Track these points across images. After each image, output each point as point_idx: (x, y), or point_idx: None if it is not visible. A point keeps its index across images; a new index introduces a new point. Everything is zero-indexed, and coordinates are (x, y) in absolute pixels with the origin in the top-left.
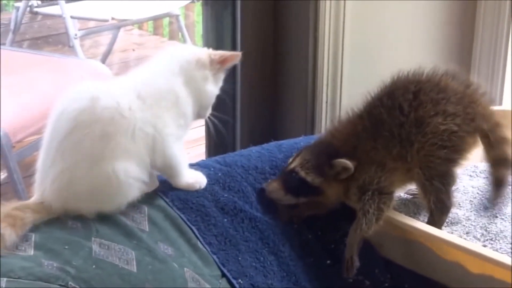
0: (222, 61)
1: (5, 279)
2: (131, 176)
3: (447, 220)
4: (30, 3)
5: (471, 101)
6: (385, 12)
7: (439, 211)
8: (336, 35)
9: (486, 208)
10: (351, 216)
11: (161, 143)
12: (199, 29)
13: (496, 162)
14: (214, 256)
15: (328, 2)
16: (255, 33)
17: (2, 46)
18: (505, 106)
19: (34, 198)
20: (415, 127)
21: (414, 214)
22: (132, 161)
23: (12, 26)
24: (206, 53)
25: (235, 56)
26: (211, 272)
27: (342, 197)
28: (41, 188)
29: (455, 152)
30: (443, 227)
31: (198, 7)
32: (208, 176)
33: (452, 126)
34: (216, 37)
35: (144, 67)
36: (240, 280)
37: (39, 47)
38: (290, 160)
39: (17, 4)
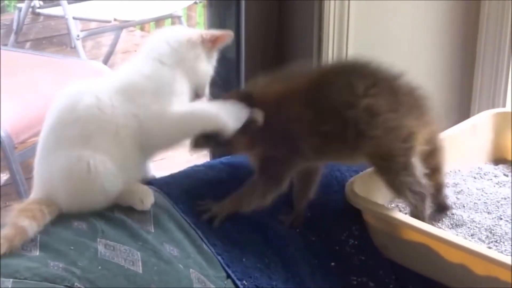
0: (214, 40)
1: (11, 279)
2: (111, 169)
3: (451, 222)
4: (32, 4)
5: (419, 108)
6: (389, 12)
7: (419, 202)
8: (340, 35)
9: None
10: (356, 218)
11: (154, 122)
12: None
13: (435, 169)
14: (219, 257)
15: (332, 2)
16: (259, 33)
17: (4, 47)
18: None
19: (33, 193)
20: (368, 115)
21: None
22: (113, 153)
23: (14, 27)
24: (197, 33)
25: (227, 36)
26: (216, 273)
27: (251, 150)
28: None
29: (411, 146)
30: (447, 229)
31: (200, 8)
32: (213, 177)
33: (410, 124)
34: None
35: (134, 56)
36: (244, 282)
37: (41, 48)
38: None
39: (19, 5)
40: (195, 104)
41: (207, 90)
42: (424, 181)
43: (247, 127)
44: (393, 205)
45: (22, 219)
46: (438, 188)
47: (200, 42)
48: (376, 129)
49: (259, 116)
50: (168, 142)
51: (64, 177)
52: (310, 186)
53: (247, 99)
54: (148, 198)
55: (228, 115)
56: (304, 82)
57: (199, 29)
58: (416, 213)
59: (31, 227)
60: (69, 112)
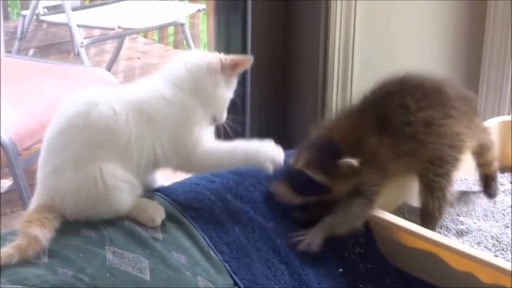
0: (233, 66)
1: (20, 286)
2: (119, 180)
3: (458, 230)
4: (36, 11)
5: (469, 111)
6: (395, 13)
7: (436, 215)
8: (347, 35)
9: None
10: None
11: (187, 152)
12: (203, 37)
13: (488, 178)
14: (226, 265)
15: (339, 2)
16: (265, 34)
17: (7, 54)
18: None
19: (35, 198)
20: (424, 127)
21: None
22: (121, 166)
23: (18, 34)
24: (217, 58)
25: (247, 60)
26: (224, 280)
27: (348, 191)
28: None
29: (460, 152)
30: (453, 237)
31: (202, 16)
32: (220, 185)
33: (462, 129)
34: (225, 38)
35: (152, 76)
36: None
37: (45, 55)
38: (292, 160)
39: (23, 12)
40: (235, 143)
41: (224, 116)
42: (444, 212)
43: (348, 175)
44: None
45: (34, 228)
46: (490, 178)
47: (219, 68)
48: (431, 136)
49: (354, 162)
50: (198, 171)
51: (72, 191)
52: None
53: (332, 145)
54: (158, 216)
55: (266, 155)
56: (367, 113)
57: (218, 54)
58: (426, 212)
59: (43, 235)
60: (81, 118)
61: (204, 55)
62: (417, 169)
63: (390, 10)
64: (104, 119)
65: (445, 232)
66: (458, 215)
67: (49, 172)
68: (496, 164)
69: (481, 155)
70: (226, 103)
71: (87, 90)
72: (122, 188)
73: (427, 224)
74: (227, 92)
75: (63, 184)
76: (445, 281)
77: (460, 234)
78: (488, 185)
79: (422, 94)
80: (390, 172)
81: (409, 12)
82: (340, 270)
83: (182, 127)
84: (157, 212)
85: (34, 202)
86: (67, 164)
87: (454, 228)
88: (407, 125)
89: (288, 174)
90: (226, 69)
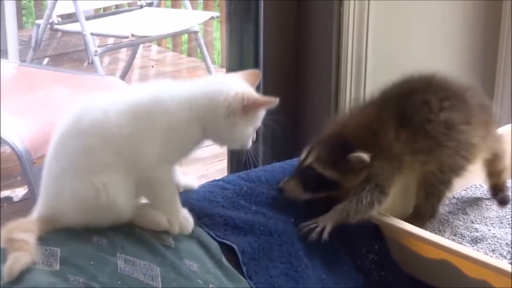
0: (257, 106)
1: None
2: (115, 189)
3: (472, 237)
4: (50, 20)
5: (487, 120)
6: (409, 12)
7: (427, 217)
8: (360, 36)
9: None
10: (375, 233)
11: (144, 163)
12: (217, 45)
13: (497, 188)
14: (244, 268)
15: (352, 2)
16: (278, 35)
17: (22, 63)
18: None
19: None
20: (444, 128)
21: (439, 231)
22: (117, 174)
23: (32, 43)
24: (240, 98)
25: (272, 102)
26: (236, 286)
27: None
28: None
29: (470, 163)
30: (468, 244)
31: (216, 24)
32: (234, 191)
33: (478, 140)
34: (238, 46)
35: (171, 82)
36: None
37: (59, 63)
38: (303, 156)
39: (37, 21)
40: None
41: (249, 143)
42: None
43: (357, 169)
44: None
45: (17, 233)
46: (499, 188)
47: (240, 110)
48: (450, 140)
49: (365, 156)
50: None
51: (72, 199)
52: None
53: (343, 141)
54: (164, 221)
55: (178, 222)
56: (387, 107)
57: (243, 89)
58: (415, 223)
59: (29, 237)
60: (74, 124)
61: (227, 92)
62: (428, 169)
63: (403, 10)
64: (95, 124)
65: (460, 239)
66: (472, 222)
67: (49, 181)
68: (506, 174)
69: (491, 164)
70: (247, 136)
71: (86, 98)
72: (120, 195)
73: (414, 222)
74: (246, 129)
75: (62, 193)
76: None
77: (474, 241)
78: (497, 194)
79: (446, 96)
80: (405, 166)
81: (423, 11)
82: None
83: (167, 137)
84: (162, 217)
85: (35, 212)
86: (65, 172)
87: (468, 236)
88: (428, 123)
89: (298, 170)
90: (248, 110)
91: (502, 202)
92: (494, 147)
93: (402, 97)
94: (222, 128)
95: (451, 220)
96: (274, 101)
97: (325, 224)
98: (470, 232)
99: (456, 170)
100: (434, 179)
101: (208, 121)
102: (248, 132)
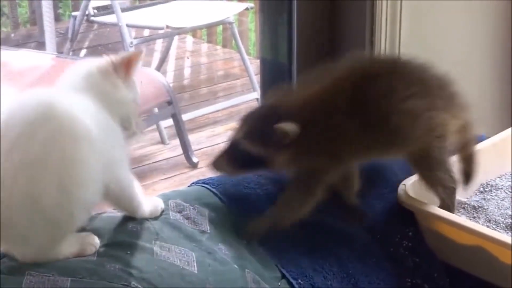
0: (126, 63)
1: (69, 278)
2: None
3: (507, 224)
4: (87, 12)
5: (452, 96)
6: (441, 11)
7: (449, 195)
8: (393, 35)
9: None
10: (409, 219)
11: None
12: (252, 36)
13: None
14: (275, 258)
15: (384, 2)
16: (311, 35)
17: (60, 55)
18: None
19: None
20: (411, 118)
21: (473, 218)
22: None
23: (69, 35)
24: (107, 60)
25: (137, 55)
26: (270, 273)
27: (291, 164)
28: None
29: (445, 141)
30: (502, 231)
31: (251, 15)
32: (258, 180)
33: (446, 117)
34: (271, 38)
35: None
36: (300, 281)
37: (96, 55)
38: (237, 128)
39: (74, 13)
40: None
41: (134, 123)
42: (454, 175)
43: (279, 142)
44: None
45: None
46: (468, 161)
47: (111, 69)
48: (418, 129)
49: (291, 128)
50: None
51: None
52: (351, 179)
53: (276, 112)
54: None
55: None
56: (340, 89)
57: (107, 57)
58: (445, 206)
59: None
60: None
61: (93, 61)
62: (394, 157)
63: (436, 9)
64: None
65: (494, 226)
66: (507, 208)
67: None
68: (473, 144)
69: (462, 134)
70: (132, 106)
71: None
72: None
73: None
74: (128, 94)
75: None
76: (495, 276)
77: (509, 228)
78: (469, 169)
79: (411, 81)
80: (346, 163)
81: (457, 10)
82: (386, 264)
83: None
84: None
85: None
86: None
87: (503, 222)
88: (392, 113)
89: (227, 146)
90: (119, 69)
91: (467, 178)
92: (462, 117)
93: (359, 81)
94: (107, 91)
95: (485, 207)
96: (138, 53)
97: (255, 230)
98: (505, 219)
99: (438, 153)
100: (426, 171)
101: (94, 92)
102: (130, 97)
